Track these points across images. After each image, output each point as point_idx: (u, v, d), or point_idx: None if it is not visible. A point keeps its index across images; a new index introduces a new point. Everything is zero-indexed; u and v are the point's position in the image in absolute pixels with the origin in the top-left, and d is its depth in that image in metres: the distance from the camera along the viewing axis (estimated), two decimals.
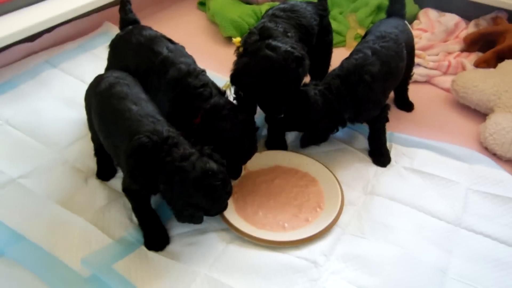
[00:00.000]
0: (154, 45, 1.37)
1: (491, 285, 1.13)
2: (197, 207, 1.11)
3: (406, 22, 1.59)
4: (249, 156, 1.31)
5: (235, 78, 1.34)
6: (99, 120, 1.22)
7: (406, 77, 1.63)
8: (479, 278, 1.14)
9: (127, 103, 1.17)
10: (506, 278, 1.14)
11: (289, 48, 1.29)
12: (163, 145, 1.10)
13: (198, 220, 1.15)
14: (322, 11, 1.58)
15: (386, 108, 1.47)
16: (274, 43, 1.30)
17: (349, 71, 1.37)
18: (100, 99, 1.22)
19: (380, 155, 1.47)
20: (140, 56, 1.37)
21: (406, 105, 1.71)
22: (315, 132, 1.39)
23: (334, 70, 1.42)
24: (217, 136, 1.22)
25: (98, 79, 1.27)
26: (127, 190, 1.18)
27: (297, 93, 1.33)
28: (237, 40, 1.40)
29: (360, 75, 1.36)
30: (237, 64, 1.34)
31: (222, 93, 1.34)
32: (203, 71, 1.36)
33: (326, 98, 1.34)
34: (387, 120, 1.49)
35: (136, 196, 1.18)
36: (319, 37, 1.58)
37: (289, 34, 1.40)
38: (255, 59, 1.29)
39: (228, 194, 1.15)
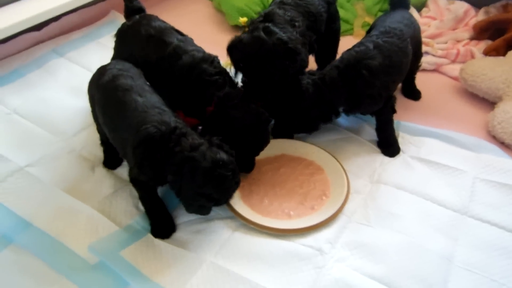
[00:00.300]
0: (164, 36, 1.37)
1: (497, 273, 1.12)
2: (207, 197, 1.11)
3: (411, 13, 1.56)
4: (261, 147, 1.30)
5: (228, 49, 1.34)
6: (104, 114, 1.22)
7: (413, 68, 1.60)
8: (485, 266, 1.14)
9: (132, 95, 1.17)
10: None
11: (284, 38, 1.28)
12: (171, 135, 1.09)
13: (207, 211, 1.16)
14: None
15: (392, 100, 1.45)
16: (272, 28, 1.30)
17: (348, 63, 1.36)
18: (104, 92, 1.22)
19: (389, 146, 1.46)
20: (150, 47, 1.37)
21: (413, 94, 1.70)
22: (306, 121, 1.39)
23: (334, 61, 1.41)
24: (229, 124, 1.22)
25: (101, 71, 1.27)
26: (135, 181, 1.19)
27: (283, 84, 1.32)
28: (243, 20, 1.40)
29: (358, 68, 1.34)
30: (234, 38, 1.34)
31: (233, 83, 1.34)
32: (217, 57, 1.36)
33: (318, 88, 1.35)
34: (393, 111, 1.47)
35: (144, 186, 1.19)
36: (326, 25, 1.56)
37: (296, 23, 1.39)
38: (248, 37, 1.29)
39: (237, 184, 1.14)
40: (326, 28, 1.57)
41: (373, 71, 1.34)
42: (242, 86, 1.38)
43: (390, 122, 1.47)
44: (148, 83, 1.27)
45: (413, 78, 1.69)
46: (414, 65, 1.61)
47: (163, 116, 1.13)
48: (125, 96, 1.17)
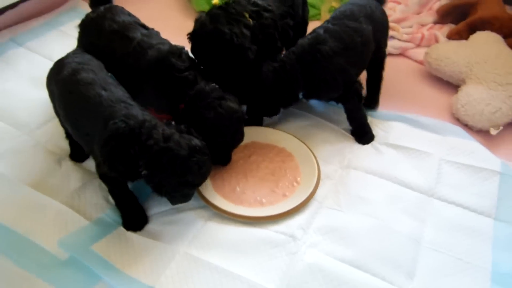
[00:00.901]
0: (128, 31, 1.32)
1: (461, 251, 1.17)
2: (189, 185, 1.11)
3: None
4: (233, 145, 1.30)
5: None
6: (65, 109, 1.18)
7: (377, 56, 1.54)
8: (451, 246, 1.18)
9: (96, 89, 1.13)
10: (476, 245, 1.18)
11: (236, 30, 1.30)
12: (141, 129, 1.07)
13: (189, 198, 1.16)
14: None
15: (355, 86, 1.44)
16: (221, 19, 1.31)
17: (303, 50, 1.38)
18: (64, 87, 1.18)
19: (362, 134, 1.46)
20: (114, 43, 1.32)
21: (372, 102, 1.59)
22: (266, 106, 1.41)
23: (291, 48, 1.41)
24: (201, 124, 1.21)
25: (59, 65, 1.22)
26: (104, 176, 1.16)
27: (237, 74, 1.34)
28: (216, 1, 1.40)
29: (313, 54, 1.36)
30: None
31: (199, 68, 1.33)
32: (184, 48, 1.33)
33: (278, 75, 1.36)
34: (360, 99, 1.46)
35: (114, 181, 1.16)
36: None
37: (267, 9, 1.39)
38: (197, 24, 1.33)
39: (211, 166, 1.16)
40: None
41: (325, 55, 1.35)
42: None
43: (358, 110, 1.47)
44: (110, 74, 1.23)
45: (378, 85, 1.59)
46: (378, 52, 1.54)
47: (130, 110, 1.10)
48: (88, 90, 1.13)
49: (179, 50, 1.30)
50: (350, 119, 1.47)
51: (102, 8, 1.40)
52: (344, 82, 1.41)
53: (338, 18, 1.44)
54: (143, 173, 1.07)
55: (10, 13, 1.77)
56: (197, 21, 1.34)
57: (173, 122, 1.17)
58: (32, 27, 1.79)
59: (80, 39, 1.43)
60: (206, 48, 1.32)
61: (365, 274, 1.10)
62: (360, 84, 1.47)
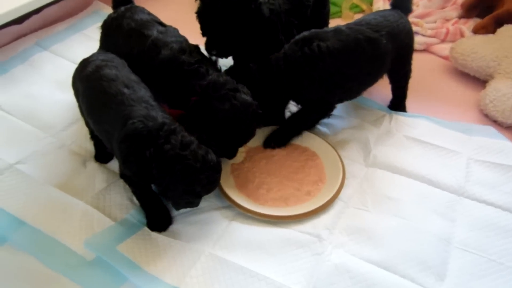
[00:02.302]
0: (144, 29, 1.34)
1: (494, 252, 1.13)
2: (195, 194, 1.10)
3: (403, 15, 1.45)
4: (245, 140, 1.28)
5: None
6: (88, 105, 1.18)
7: (397, 75, 1.49)
8: (482, 246, 1.14)
9: (118, 86, 1.14)
10: (509, 245, 1.14)
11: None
12: (159, 132, 1.07)
13: (196, 205, 1.15)
14: None
15: (328, 107, 1.38)
16: None
17: (297, 42, 1.31)
18: (87, 83, 1.18)
19: (273, 139, 1.38)
20: (131, 41, 1.34)
21: (400, 108, 1.54)
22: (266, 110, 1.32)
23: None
24: (213, 116, 1.19)
25: (84, 63, 1.23)
26: (124, 176, 1.17)
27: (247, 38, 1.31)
28: None
29: (301, 46, 1.29)
30: None
31: (219, 70, 1.31)
32: (197, 46, 1.33)
33: (263, 75, 1.31)
34: (319, 116, 1.39)
35: (134, 182, 1.17)
36: (315, 9, 1.53)
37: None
38: None
39: (218, 182, 1.16)
40: (316, 12, 1.54)
41: (322, 51, 1.28)
42: (225, 71, 1.35)
43: (305, 121, 1.39)
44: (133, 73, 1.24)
45: (401, 91, 1.53)
46: (398, 72, 1.47)
47: (150, 111, 1.10)
48: (110, 86, 1.14)
49: (190, 48, 1.30)
50: (293, 118, 1.39)
51: (122, 8, 1.42)
52: (326, 96, 1.34)
53: (358, 23, 1.37)
54: (155, 175, 1.07)
55: (35, 18, 1.80)
56: None
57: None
58: (56, 31, 1.81)
59: (102, 39, 1.45)
60: (225, 8, 1.27)
61: (394, 276, 1.08)
62: (332, 111, 1.40)
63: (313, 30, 1.34)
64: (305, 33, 1.34)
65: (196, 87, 1.23)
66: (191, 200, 1.12)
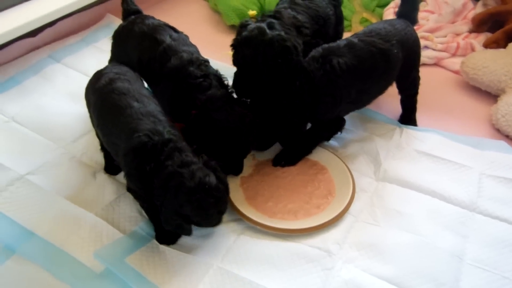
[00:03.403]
0: (157, 34, 1.35)
1: (508, 269, 1.11)
2: (185, 219, 1.07)
3: (410, 24, 1.45)
4: (246, 149, 1.27)
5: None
6: (99, 117, 1.19)
7: (407, 86, 1.48)
8: (496, 263, 1.12)
9: (128, 99, 1.14)
10: None
11: (284, 36, 1.25)
12: (164, 147, 1.06)
13: (187, 232, 1.12)
14: (335, 1, 1.55)
15: (340, 123, 1.37)
16: (276, 25, 1.27)
17: (313, 58, 1.29)
18: (99, 95, 1.19)
19: (288, 157, 1.37)
20: (142, 45, 1.35)
21: (410, 121, 1.53)
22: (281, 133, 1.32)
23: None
24: (212, 127, 1.20)
25: (97, 76, 1.25)
26: (130, 190, 1.17)
27: (271, 81, 1.26)
28: (253, 12, 1.37)
29: (322, 64, 1.27)
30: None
31: (224, 85, 1.30)
32: (207, 61, 1.34)
33: (290, 100, 1.27)
34: (332, 133, 1.39)
35: (140, 195, 1.16)
36: (334, 27, 1.54)
37: (304, 29, 1.36)
38: (252, 26, 1.26)
39: (221, 213, 1.10)
40: (334, 30, 1.55)
41: (335, 68, 1.26)
42: (232, 86, 1.34)
43: (316, 138, 1.38)
44: (146, 86, 1.25)
45: (410, 103, 1.52)
46: (406, 79, 1.46)
47: (157, 125, 1.10)
48: (120, 100, 1.14)
49: (200, 61, 1.30)
50: (305, 137, 1.37)
51: (133, 16, 1.44)
52: (342, 112, 1.33)
53: (369, 34, 1.35)
54: (154, 191, 1.06)
55: (48, 31, 1.82)
56: (245, 27, 1.27)
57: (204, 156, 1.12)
58: (69, 43, 1.84)
59: (113, 48, 1.47)
60: (262, 53, 1.23)
61: None
62: (343, 125, 1.40)
63: (325, 46, 1.33)
64: (319, 49, 1.33)
65: (196, 101, 1.24)
66: (180, 223, 1.07)
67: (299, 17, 1.38)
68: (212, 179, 1.05)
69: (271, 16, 1.32)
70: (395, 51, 1.34)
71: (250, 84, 1.28)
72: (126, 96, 1.15)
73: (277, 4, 1.50)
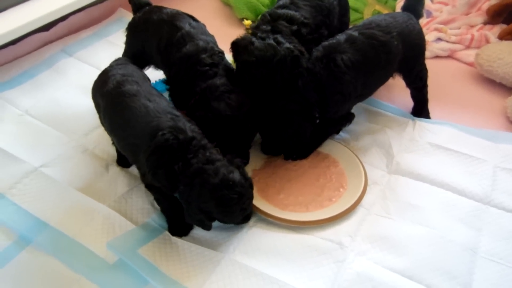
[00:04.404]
0: (176, 20, 1.36)
1: None
2: (207, 215, 1.08)
3: (413, 17, 1.42)
4: (246, 138, 1.27)
5: (234, 47, 1.31)
6: (112, 121, 1.20)
7: (412, 80, 1.46)
8: (510, 256, 1.11)
9: (142, 100, 1.14)
10: None
11: (292, 48, 1.26)
12: (189, 146, 1.07)
13: (207, 227, 1.13)
14: None
15: (349, 116, 1.37)
16: (281, 39, 1.27)
17: (316, 58, 1.28)
18: (109, 100, 1.20)
19: (299, 150, 1.36)
20: (161, 32, 1.36)
21: (423, 113, 1.52)
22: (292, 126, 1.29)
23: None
24: (209, 115, 1.20)
25: (103, 78, 1.25)
26: (150, 186, 1.17)
27: (283, 93, 1.25)
28: (248, 22, 1.37)
29: (326, 63, 1.26)
30: (242, 38, 1.31)
31: (232, 74, 1.30)
32: (221, 52, 1.34)
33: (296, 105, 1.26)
34: (341, 127, 1.39)
35: (159, 190, 1.16)
36: (338, 18, 1.53)
37: (303, 29, 1.36)
38: (261, 43, 1.26)
39: (244, 210, 1.11)
40: (339, 21, 1.53)
41: (339, 66, 1.25)
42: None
43: (326, 131, 1.38)
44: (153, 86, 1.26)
45: (420, 95, 1.50)
46: (410, 72, 1.44)
47: (177, 122, 1.10)
48: (133, 101, 1.15)
49: (214, 50, 1.31)
50: (315, 131, 1.34)
51: (147, 7, 1.45)
52: (350, 107, 1.33)
53: (368, 26, 1.34)
54: (180, 188, 1.07)
55: (61, 25, 1.84)
56: (251, 45, 1.26)
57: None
58: (81, 38, 1.85)
59: (128, 41, 1.48)
60: (269, 61, 1.23)
61: (418, 285, 1.05)
62: (353, 117, 1.39)
63: (325, 44, 1.31)
64: (320, 48, 1.31)
65: (196, 88, 1.24)
66: (202, 219, 1.10)
67: (297, 15, 1.36)
68: (236, 175, 1.06)
69: (271, 31, 1.31)
70: (395, 43, 1.33)
71: (259, 98, 1.27)
72: (138, 97, 1.16)
73: (276, 1, 1.49)
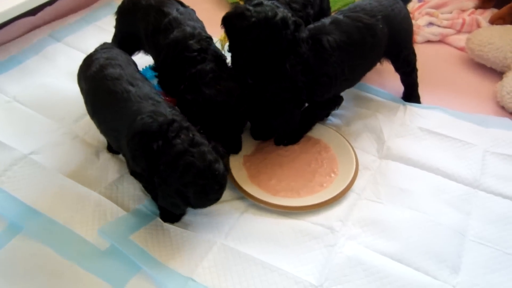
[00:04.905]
0: (164, 6, 1.34)
1: (511, 246, 1.11)
2: (183, 199, 1.05)
3: (400, 2, 1.41)
4: (237, 124, 1.26)
5: (226, 19, 1.26)
6: (93, 105, 1.18)
7: (400, 65, 1.46)
8: (498, 239, 1.13)
9: (123, 84, 1.13)
10: None
11: (288, 12, 1.24)
12: (169, 127, 1.05)
13: (180, 211, 1.12)
14: None
15: (338, 99, 1.37)
16: (276, 3, 1.25)
17: (302, 41, 1.26)
18: (92, 83, 1.18)
19: (290, 135, 1.35)
20: (149, 17, 1.34)
21: (413, 98, 1.52)
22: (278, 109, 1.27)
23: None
24: (199, 101, 1.19)
25: (87, 62, 1.23)
26: (134, 173, 1.16)
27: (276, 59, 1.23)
28: None
29: (312, 45, 1.25)
30: (232, 9, 1.27)
31: (221, 62, 1.28)
32: (209, 37, 1.32)
33: (284, 87, 1.25)
34: (330, 110, 1.39)
35: (145, 178, 1.15)
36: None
37: (293, 4, 1.36)
38: (254, 8, 1.22)
39: (217, 200, 1.09)
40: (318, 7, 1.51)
41: (325, 47, 1.25)
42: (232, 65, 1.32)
43: (315, 115, 1.37)
44: (138, 70, 1.24)
45: (409, 80, 1.49)
46: (398, 56, 1.43)
47: (158, 107, 1.09)
48: (115, 85, 1.13)
49: (201, 36, 1.28)
50: (304, 115, 1.34)
51: None
52: (337, 90, 1.33)
53: (353, 10, 1.34)
54: (160, 168, 1.03)
55: (48, 9, 1.80)
56: (248, 12, 1.22)
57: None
58: (69, 23, 1.82)
59: (117, 23, 1.46)
60: (279, 31, 1.21)
61: (407, 268, 1.07)
62: (342, 100, 1.39)
63: (310, 27, 1.30)
64: (305, 31, 1.29)
65: (186, 74, 1.23)
66: (177, 203, 1.06)
67: None
68: (221, 166, 1.04)
69: None
70: (380, 26, 1.32)
71: (252, 69, 1.26)
72: (120, 81, 1.14)
73: None
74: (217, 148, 1.08)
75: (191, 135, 1.05)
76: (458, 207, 1.20)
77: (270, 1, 1.26)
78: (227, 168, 1.09)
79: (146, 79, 1.21)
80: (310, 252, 1.11)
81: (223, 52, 1.34)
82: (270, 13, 1.20)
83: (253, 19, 1.20)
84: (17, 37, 1.73)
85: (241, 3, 1.35)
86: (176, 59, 1.26)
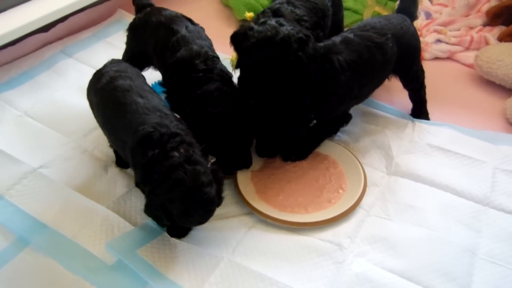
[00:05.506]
0: (173, 24, 1.36)
1: None
2: (166, 214, 1.03)
3: (407, 18, 1.43)
4: (245, 140, 1.26)
5: (234, 37, 1.26)
6: (103, 116, 1.19)
7: (409, 81, 1.47)
8: (509, 258, 1.11)
9: (133, 96, 1.14)
10: None
11: (295, 30, 1.22)
12: (170, 139, 1.05)
13: (162, 225, 1.11)
14: None
15: (346, 117, 1.38)
16: (283, 22, 1.24)
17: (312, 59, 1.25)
18: (102, 95, 1.19)
19: (298, 151, 1.35)
20: (158, 35, 1.36)
21: (421, 114, 1.52)
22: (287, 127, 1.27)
23: None
24: (205, 121, 1.20)
25: (97, 76, 1.25)
26: (138, 184, 1.16)
27: (288, 79, 1.22)
28: (250, 15, 1.35)
29: (321, 64, 1.25)
30: (241, 27, 1.27)
31: (226, 81, 1.27)
32: (216, 57, 1.32)
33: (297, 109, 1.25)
34: (338, 127, 1.39)
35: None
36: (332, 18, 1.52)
37: (303, 22, 1.35)
38: (261, 26, 1.21)
39: (200, 223, 1.08)
40: (332, 20, 1.53)
41: (335, 67, 1.25)
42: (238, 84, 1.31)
43: (324, 132, 1.38)
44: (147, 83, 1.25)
45: (418, 96, 1.50)
46: (407, 73, 1.44)
47: (163, 119, 1.10)
48: (125, 97, 1.14)
49: (207, 56, 1.28)
50: (313, 131, 1.35)
51: (148, 8, 1.45)
52: (346, 108, 1.33)
53: (364, 29, 1.34)
54: (153, 176, 1.02)
55: (60, 26, 1.84)
56: (251, 31, 1.21)
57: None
58: (80, 39, 1.85)
59: (128, 40, 1.48)
60: (271, 41, 1.18)
61: (417, 286, 1.05)
62: (350, 119, 1.39)
63: (320, 45, 1.30)
64: (316, 46, 1.29)
65: (192, 95, 1.23)
66: (160, 216, 1.05)
67: (297, 11, 1.36)
68: (212, 190, 1.02)
69: (272, 14, 1.30)
70: (390, 44, 1.33)
71: (259, 88, 1.24)
72: (130, 92, 1.15)
73: (273, 1, 1.48)
74: (216, 173, 1.06)
75: (191, 151, 1.05)
76: (468, 225, 1.18)
77: (275, 19, 1.25)
78: (220, 195, 1.08)
79: (154, 91, 1.22)
80: (318, 269, 1.09)
81: (233, 72, 1.34)
82: (270, 33, 1.19)
83: (253, 40, 1.19)
84: (29, 53, 1.76)
85: (249, 19, 1.36)
86: (181, 79, 1.27)
